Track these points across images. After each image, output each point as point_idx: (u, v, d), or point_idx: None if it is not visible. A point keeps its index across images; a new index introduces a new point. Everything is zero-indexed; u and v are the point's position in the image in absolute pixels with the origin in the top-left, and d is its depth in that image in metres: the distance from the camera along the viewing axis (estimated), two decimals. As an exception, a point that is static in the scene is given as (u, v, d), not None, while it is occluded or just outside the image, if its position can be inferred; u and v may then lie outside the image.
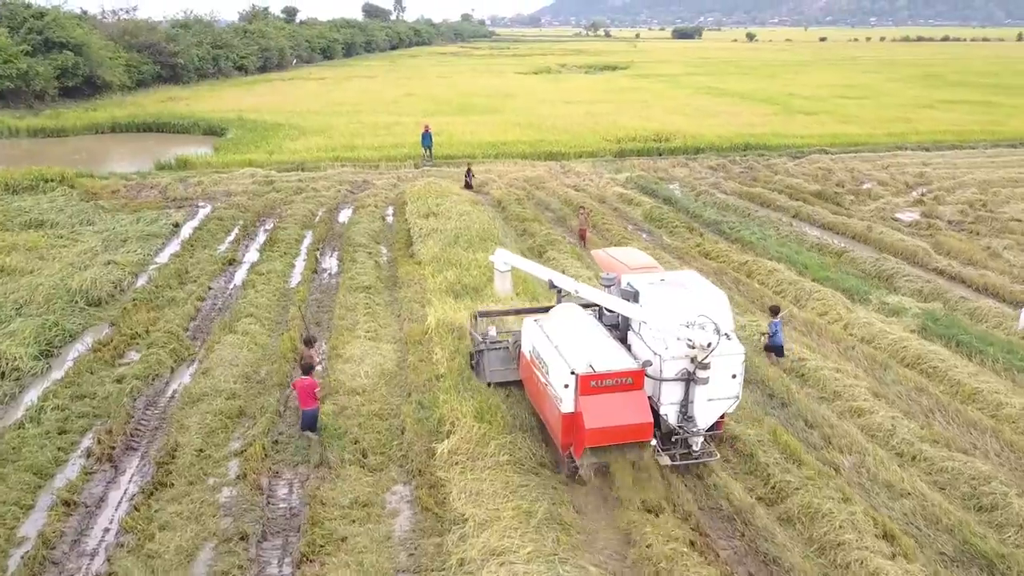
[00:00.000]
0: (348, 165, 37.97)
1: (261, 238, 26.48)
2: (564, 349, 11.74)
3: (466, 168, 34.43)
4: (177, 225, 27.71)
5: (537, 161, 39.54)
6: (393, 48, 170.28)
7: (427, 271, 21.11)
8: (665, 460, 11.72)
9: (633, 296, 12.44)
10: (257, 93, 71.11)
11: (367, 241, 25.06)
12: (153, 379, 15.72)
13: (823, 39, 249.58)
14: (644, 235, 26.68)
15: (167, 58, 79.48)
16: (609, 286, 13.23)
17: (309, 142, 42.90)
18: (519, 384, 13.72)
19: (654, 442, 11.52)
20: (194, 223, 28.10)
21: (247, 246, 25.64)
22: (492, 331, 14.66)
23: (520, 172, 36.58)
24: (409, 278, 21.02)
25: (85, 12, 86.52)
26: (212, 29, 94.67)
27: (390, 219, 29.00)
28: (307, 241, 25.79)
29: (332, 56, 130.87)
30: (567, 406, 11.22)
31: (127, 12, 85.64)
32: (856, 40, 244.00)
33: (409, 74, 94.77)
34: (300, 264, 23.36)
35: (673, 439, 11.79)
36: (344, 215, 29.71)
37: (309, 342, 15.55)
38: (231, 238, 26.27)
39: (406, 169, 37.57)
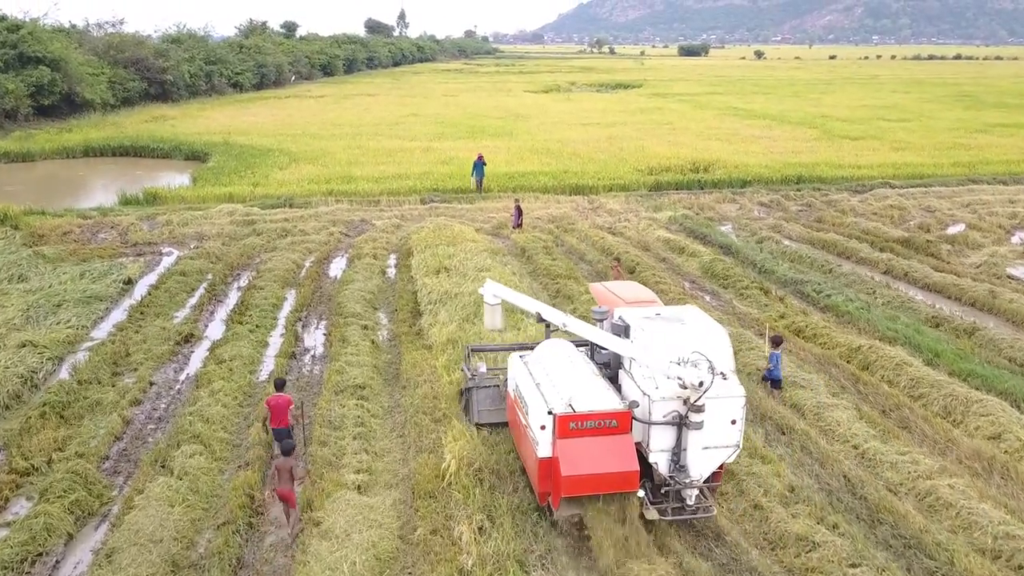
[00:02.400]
0: (343, 200, 32.75)
1: (232, 300, 21.27)
2: (545, 387, 10.82)
3: (515, 205, 29.07)
4: (129, 282, 22.51)
5: (561, 195, 34.34)
6: (396, 64, 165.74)
7: (439, 362, 15.84)
8: (653, 514, 10.48)
9: (624, 331, 11.34)
10: (250, 112, 66.20)
11: (363, 308, 19.81)
12: (33, 563, 10.46)
13: (833, 57, 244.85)
14: (707, 297, 21.45)
15: (156, 74, 74.67)
16: (601, 320, 12.15)
17: (300, 171, 37.73)
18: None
19: (641, 493, 10.42)
20: (152, 278, 22.90)
21: (212, 313, 20.41)
22: (482, 367, 13.81)
23: (544, 210, 31.40)
24: (416, 371, 15.75)
25: (74, 26, 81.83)
26: (206, 44, 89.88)
27: (392, 272, 23.77)
28: (287, 306, 20.57)
29: (333, 73, 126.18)
30: (544, 450, 10.28)
31: (113, 25, 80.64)
32: (866, 58, 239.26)
33: (413, 92, 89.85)
34: (275, 342, 18.14)
35: (663, 491, 10.55)
36: (336, 267, 24.49)
37: (279, 386, 13.29)
38: (193, 300, 21.05)
39: (410, 205, 32.36)
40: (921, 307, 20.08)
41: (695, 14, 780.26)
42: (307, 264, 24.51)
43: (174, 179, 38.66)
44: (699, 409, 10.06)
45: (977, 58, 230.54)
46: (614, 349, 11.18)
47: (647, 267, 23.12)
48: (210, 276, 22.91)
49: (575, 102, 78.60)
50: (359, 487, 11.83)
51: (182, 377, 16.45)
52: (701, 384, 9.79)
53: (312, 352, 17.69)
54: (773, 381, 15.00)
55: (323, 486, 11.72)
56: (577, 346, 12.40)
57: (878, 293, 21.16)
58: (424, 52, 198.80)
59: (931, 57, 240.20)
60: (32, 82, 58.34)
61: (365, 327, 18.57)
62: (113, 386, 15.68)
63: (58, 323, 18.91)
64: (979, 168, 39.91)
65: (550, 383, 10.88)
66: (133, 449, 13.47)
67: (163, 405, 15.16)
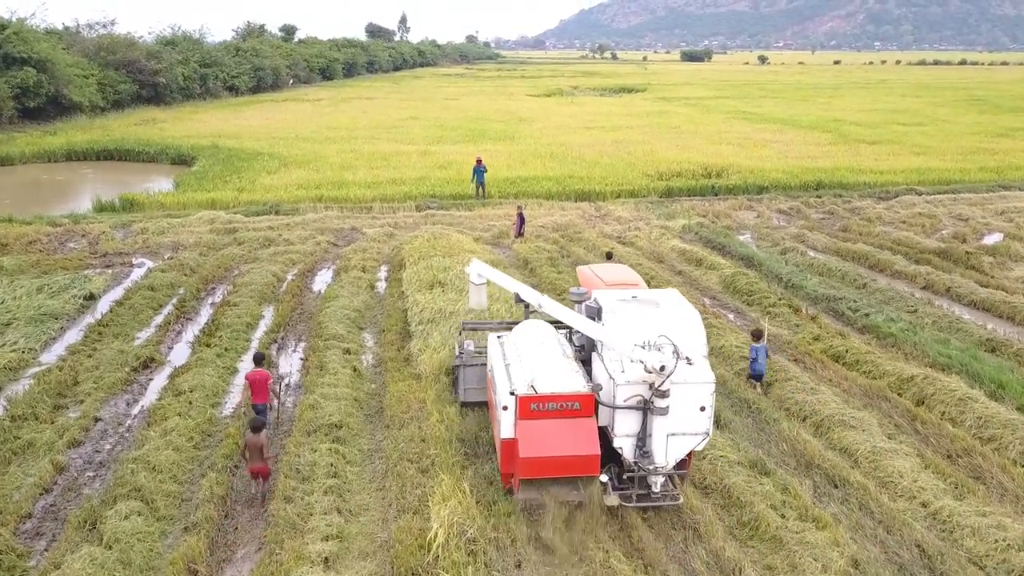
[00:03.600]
0: (334, 207, 30.60)
1: (203, 318, 19.14)
2: (513, 368, 10.95)
3: (517, 212, 26.96)
4: (92, 297, 20.38)
5: (566, 202, 32.21)
6: (397, 69, 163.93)
7: (429, 395, 13.69)
8: (613, 500, 10.26)
9: (597, 313, 11.09)
10: (244, 116, 64.14)
11: (346, 328, 17.65)
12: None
13: (837, 62, 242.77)
14: (730, 315, 19.30)
15: (148, 77, 72.63)
16: (579, 302, 11.85)
17: (290, 176, 35.60)
18: None
19: (604, 479, 10.23)
20: (117, 293, 20.77)
21: (179, 333, 18.27)
22: (470, 345, 13.59)
23: (547, 217, 29.25)
24: (402, 406, 13.59)
25: (67, 27, 79.81)
26: (200, 46, 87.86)
27: (382, 287, 21.63)
28: (263, 325, 18.43)
29: (332, 76, 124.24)
30: (506, 430, 10.17)
31: (104, 26, 78.57)
32: (871, 63, 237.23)
33: (412, 95, 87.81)
34: (246, 368, 15.96)
35: (626, 476, 10.45)
36: (321, 281, 22.36)
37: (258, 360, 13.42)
38: (160, 319, 18.92)
39: (405, 212, 30.23)
40: (971, 328, 17.90)
41: (697, 20, 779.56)
42: (289, 277, 22.37)
43: (157, 184, 36.61)
44: (663, 394, 9.77)
45: (982, 64, 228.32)
46: (584, 331, 10.87)
47: (662, 281, 20.97)
48: (182, 291, 20.79)
49: (578, 106, 76.55)
50: (326, 560, 9.67)
51: (135, 411, 14.30)
52: (663, 368, 9.51)
53: (287, 380, 15.53)
54: (755, 375, 14.80)
55: (282, 559, 9.56)
56: (558, 329, 12.22)
57: (921, 311, 18.99)
58: (425, 57, 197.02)
59: (936, 62, 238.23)
60: (17, 83, 56.27)
61: (347, 351, 16.42)
62: (52, 423, 13.53)
63: (2, 345, 16.80)
64: (1008, 174, 37.76)
65: (518, 364, 10.87)
66: (63, 504, 11.31)
67: (107, 446, 13.01)
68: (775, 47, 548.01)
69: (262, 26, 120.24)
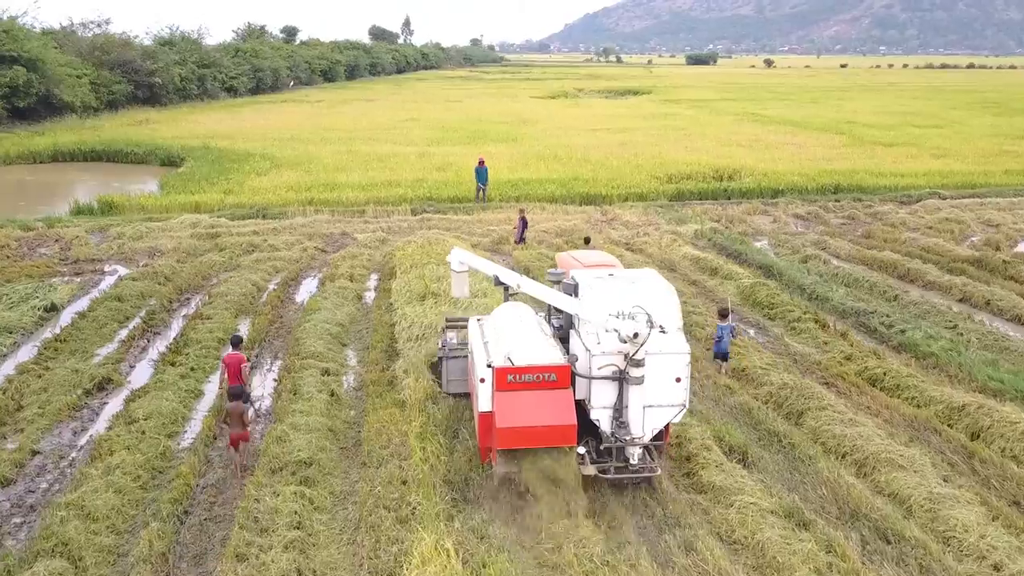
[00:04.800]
0: (324, 211, 28.91)
1: (173, 331, 17.46)
2: (491, 345, 11.08)
3: (519, 216, 25.14)
4: (53, 309, 18.70)
5: (570, 205, 30.49)
6: (400, 72, 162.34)
7: (413, 427, 11.95)
8: (589, 470, 10.25)
9: (574, 289, 11.07)
10: (241, 117, 62.54)
11: (326, 345, 15.93)
12: None
13: (844, 66, 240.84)
14: (751, 331, 17.53)
15: (143, 77, 71.03)
16: (556, 283, 11.64)
17: (280, 178, 33.91)
18: None
19: (582, 450, 10.30)
20: (82, 303, 19.07)
21: (142, 349, 16.58)
22: (452, 338, 13.39)
23: (551, 222, 27.51)
24: (382, 440, 11.83)
25: (62, 26, 78.26)
26: (199, 47, 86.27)
27: (370, 297, 19.93)
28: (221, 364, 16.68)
29: (334, 79, 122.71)
30: (484, 404, 10.27)
31: (99, 25, 77.02)
32: (878, 67, 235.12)
33: (414, 97, 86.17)
34: (211, 391, 14.30)
35: (602, 447, 10.47)
36: (305, 290, 20.68)
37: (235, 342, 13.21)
38: (124, 334, 17.22)
39: (399, 216, 28.53)
40: (1021, 346, 16.15)
41: (701, 24, 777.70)
42: (271, 287, 20.69)
43: (143, 185, 34.99)
44: (638, 364, 9.89)
45: (990, 67, 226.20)
46: (560, 306, 11.11)
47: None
48: (152, 301, 19.10)
49: (583, 107, 74.92)
50: (279, 641, 7.96)
51: (81, 441, 12.61)
52: (636, 336, 9.60)
53: (257, 405, 13.82)
54: (720, 355, 14.79)
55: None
56: (537, 313, 12.38)
57: (961, 327, 17.21)
58: (429, 59, 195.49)
59: (944, 66, 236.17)
60: (5, 83, 54.70)
61: (326, 371, 14.71)
62: (-17, 456, 11.85)
63: (-56, 364, 15.14)
64: (1034, 177, 35.96)
65: (496, 340, 11.08)
66: (-26, 563, 9.62)
67: (43, 485, 11.31)
68: (780, 51, 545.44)
69: (263, 27, 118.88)
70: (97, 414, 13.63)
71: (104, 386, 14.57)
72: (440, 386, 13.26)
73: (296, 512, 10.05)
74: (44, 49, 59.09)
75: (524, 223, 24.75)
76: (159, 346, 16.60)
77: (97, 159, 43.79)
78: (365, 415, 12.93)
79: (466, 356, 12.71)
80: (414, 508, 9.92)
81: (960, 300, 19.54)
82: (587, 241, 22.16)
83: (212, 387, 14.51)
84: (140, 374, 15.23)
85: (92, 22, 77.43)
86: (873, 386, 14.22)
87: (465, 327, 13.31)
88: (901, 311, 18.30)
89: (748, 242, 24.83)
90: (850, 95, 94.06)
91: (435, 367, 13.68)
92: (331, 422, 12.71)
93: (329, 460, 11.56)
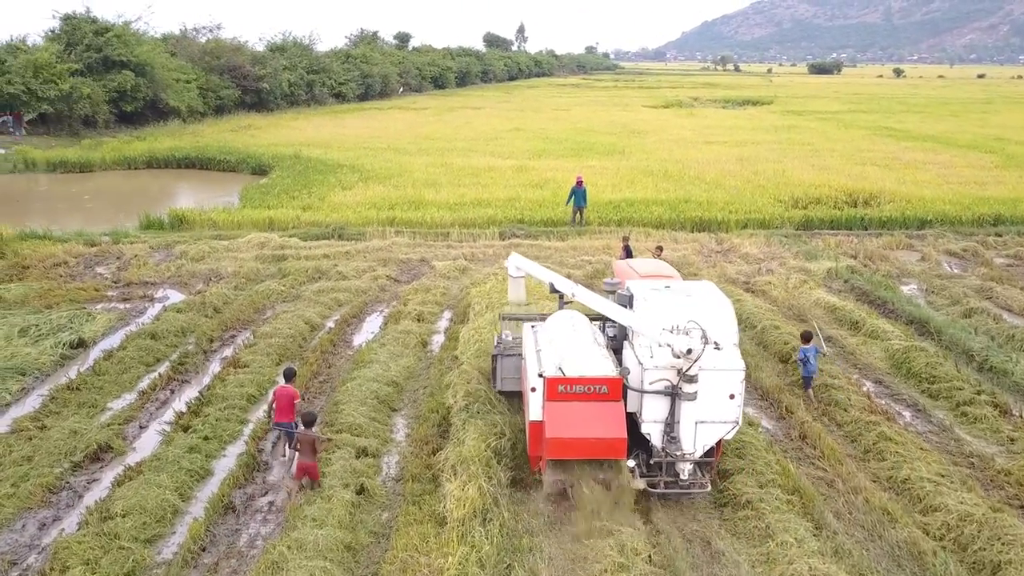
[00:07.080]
0: (405, 232, 26.22)
1: (203, 380, 14.94)
2: (544, 353, 10.99)
3: (622, 244, 21.79)
4: (81, 344, 16.50)
5: (680, 232, 26.86)
6: (512, 79, 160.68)
7: (451, 561, 8.81)
8: (639, 484, 10.15)
9: (629, 301, 11.13)
10: (344, 124, 61.34)
11: (368, 414, 12.97)
12: None
13: (981, 76, 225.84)
14: (906, 414, 13.69)
15: (251, 82, 70.92)
16: (611, 292, 11.79)
17: (365, 193, 31.52)
18: None
19: (632, 464, 10.16)
20: (115, 339, 16.82)
21: (162, 403, 14.06)
22: (507, 335, 12.98)
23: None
24: None
25: (180, 31, 79.40)
26: (309, 53, 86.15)
27: (437, 344, 16.98)
28: (272, 398, 14.01)
29: (444, 85, 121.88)
30: (535, 413, 10.27)
31: (211, 31, 77.66)
32: (1020, 77, 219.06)
33: (522, 106, 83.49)
34: (221, 471, 11.57)
35: (652, 462, 10.37)
36: (366, 331, 17.89)
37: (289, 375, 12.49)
38: (148, 381, 14.80)
39: (485, 241, 25.58)
40: None
41: (824, 32, 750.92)
42: (328, 325, 18.02)
43: (226, 198, 33.28)
44: (691, 379, 9.76)
45: None
46: (614, 318, 10.96)
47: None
48: (191, 340, 16.70)
49: (698, 118, 70.57)
50: None
51: (45, 540, 10.05)
52: (690, 352, 9.47)
53: (272, 498, 11.00)
54: (805, 380, 14.08)
55: None
56: (592, 320, 12.10)
57: None
58: (541, 67, 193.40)
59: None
60: (114, 87, 54.96)
61: (363, 452, 11.79)
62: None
63: (-69, 416, 12.97)
64: None
65: (549, 349, 10.98)
66: None
67: (-24, 611, 8.76)
68: (908, 60, 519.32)
69: (375, 33, 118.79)
70: (80, 497, 11.08)
71: (100, 456, 12.06)
72: (493, 384, 12.94)
73: None
74: (153, 54, 59.28)
75: (628, 252, 21.33)
76: (180, 401, 14.06)
77: (190, 166, 42.87)
78: (395, 530, 9.88)
79: (520, 355, 12.37)
80: None
81: None
82: (660, 250, 20.77)
83: (225, 463, 11.80)
84: (147, 440, 12.68)
85: (204, 27, 78.18)
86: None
87: (523, 321, 13.08)
88: (1110, 396, 14.08)
89: (894, 287, 20.70)
90: (994, 108, 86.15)
91: (492, 361, 13.13)
92: (351, 536, 9.73)
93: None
